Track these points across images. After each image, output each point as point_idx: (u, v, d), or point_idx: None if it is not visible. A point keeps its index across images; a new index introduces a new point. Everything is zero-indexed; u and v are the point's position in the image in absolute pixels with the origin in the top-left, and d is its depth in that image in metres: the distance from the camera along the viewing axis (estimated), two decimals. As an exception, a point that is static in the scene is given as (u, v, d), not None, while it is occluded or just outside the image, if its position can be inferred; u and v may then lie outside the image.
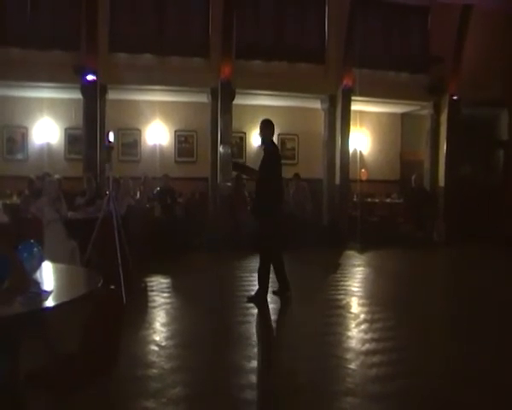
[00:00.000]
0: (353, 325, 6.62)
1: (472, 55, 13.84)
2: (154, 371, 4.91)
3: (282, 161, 7.89)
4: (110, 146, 7.83)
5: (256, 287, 7.70)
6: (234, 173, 12.64)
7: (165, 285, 8.62)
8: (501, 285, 9.09)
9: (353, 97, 13.68)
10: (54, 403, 3.46)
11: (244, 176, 12.05)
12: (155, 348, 5.54)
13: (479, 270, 10.59)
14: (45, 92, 12.86)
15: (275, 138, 8.56)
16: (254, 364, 5.16)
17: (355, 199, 14.05)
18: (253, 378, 4.81)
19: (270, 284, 7.66)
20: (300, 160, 14.63)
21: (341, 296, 8.14)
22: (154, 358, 5.27)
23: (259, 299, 7.46)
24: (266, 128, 7.70)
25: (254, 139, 14.63)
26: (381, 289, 9.00)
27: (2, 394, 3.31)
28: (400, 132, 15.81)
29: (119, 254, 7.11)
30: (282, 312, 7.44)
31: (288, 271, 7.79)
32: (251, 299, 7.55)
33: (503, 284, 9.26)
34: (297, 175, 13.22)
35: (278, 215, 7.62)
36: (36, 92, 12.83)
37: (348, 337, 6.19)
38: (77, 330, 3.37)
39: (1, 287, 3.35)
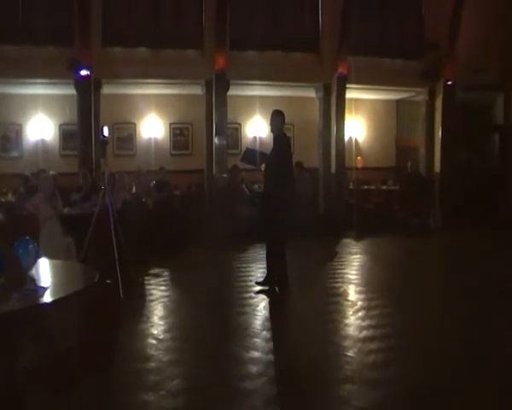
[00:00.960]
0: (351, 313, 6.65)
1: (467, 39, 13.78)
2: (152, 364, 4.93)
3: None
4: (105, 140, 7.82)
5: (253, 278, 7.73)
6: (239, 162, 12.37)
7: (162, 278, 8.61)
8: (498, 269, 9.09)
9: (348, 85, 13.65)
10: (52, 398, 3.47)
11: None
12: (153, 342, 5.56)
13: (475, 255, 10.60)
14: (39, 89, 12.80)
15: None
16: (253, 354, 5.18)
17: (351, 187, 14.08)
18: (252, 368, 4.82)
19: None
20: (296, 149, 14.50)
21: (339, 284, 8.17)
22: (152, 351, 5.28)
23: (283, 286, 7.52)
24: (275, 118, 7.68)
25: (249, 130, 14.61)
26: (377, 277, 9.03)
27: (1, 389, 3.33)
28: (395, 119, 15.80)
29: (115, 249, 7.12)
30: (279, 301, 7.45)
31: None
32: (260, 283, 7.64)
33: (501, 268, 9.25)
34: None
35: (289, 203, 7.61)
36: (29, 89, 12.77)
37: (346, 325, 6.23)
38: (74, 326, 3.38)
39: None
